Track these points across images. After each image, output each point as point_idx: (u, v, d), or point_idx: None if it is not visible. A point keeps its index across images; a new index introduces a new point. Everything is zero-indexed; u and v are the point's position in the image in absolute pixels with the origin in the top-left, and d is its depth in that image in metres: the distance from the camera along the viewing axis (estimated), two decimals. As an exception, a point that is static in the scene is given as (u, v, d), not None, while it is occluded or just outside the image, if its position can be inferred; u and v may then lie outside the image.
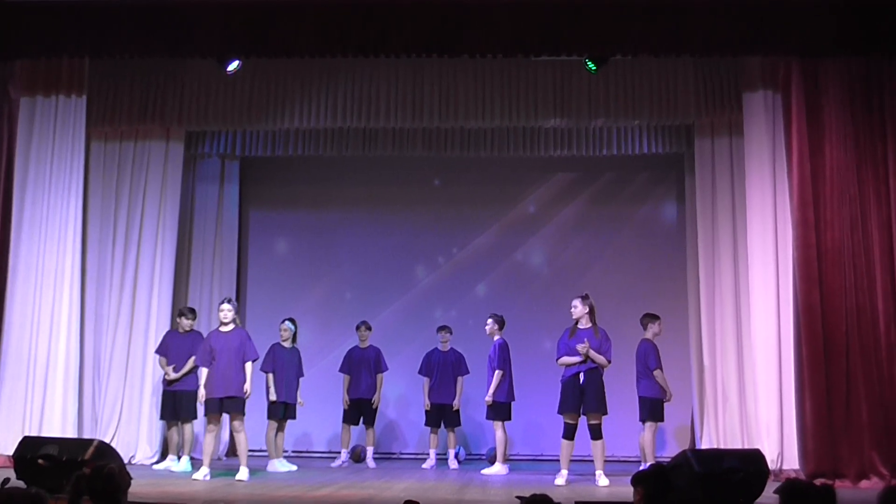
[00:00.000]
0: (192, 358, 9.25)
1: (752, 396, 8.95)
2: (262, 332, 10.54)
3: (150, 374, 9.74)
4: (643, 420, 9.13)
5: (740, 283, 9.31)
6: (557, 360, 8.63)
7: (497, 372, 9.49)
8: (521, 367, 9.91)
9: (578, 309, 8.64)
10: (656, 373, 9.09)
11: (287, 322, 9.90)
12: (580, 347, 8.39)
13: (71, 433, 8.99)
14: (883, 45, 8.38)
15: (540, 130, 10.32)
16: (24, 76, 9.38)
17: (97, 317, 9.75)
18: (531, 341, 10.85)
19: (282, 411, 9.67)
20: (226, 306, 8.77)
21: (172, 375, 9.32)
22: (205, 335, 9.24)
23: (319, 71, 9.69)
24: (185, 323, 9.58)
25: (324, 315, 11.49)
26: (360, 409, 10.13)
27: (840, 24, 8.36)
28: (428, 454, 10.12)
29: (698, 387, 9.82)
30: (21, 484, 6.74)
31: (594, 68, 8.96)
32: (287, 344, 9.83)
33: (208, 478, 8.33)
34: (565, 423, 8.49)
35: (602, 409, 8.43)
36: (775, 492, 3.83)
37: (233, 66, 9.12)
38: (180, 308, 9.84)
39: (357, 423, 10.17)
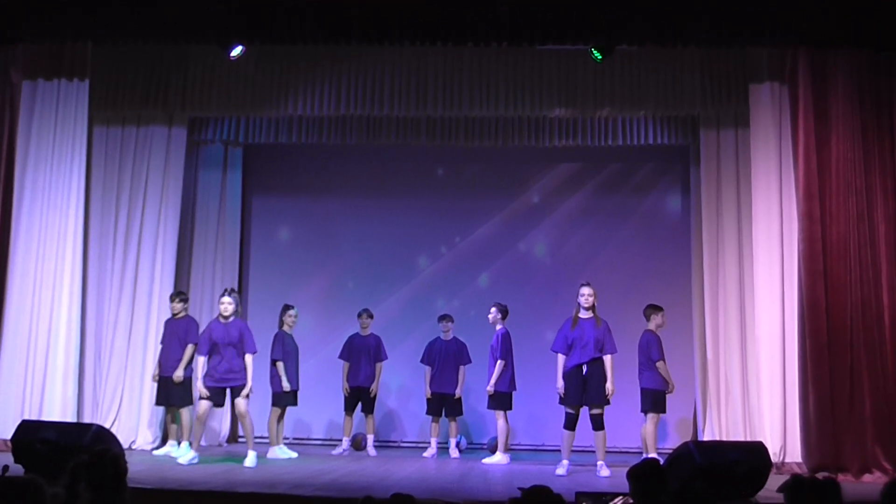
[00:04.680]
0: (190, 346, 9.24)
1: (755, 389, 8.92)
2: (264, 320, 10.54)
3: (152, 360, 9.69)
4: (645, 411, 9.10)
5: (745, 275, 9.27)
6: (553, 349, 8.59)
7: (499, 362, 9.46)
8: (522, 357, 9.88)
9: (591, 296, 8.57)
10: (659, 364, 9.05)
11: (295, 309, 9.86)
12: (559, 389, 8.50)
13: (71, 418, 8.99)
14: (891, 36, 8.31)
15: (545, 120, 10.25)
16: (27, 60, 9.34)
17: (98, 302, 9.74)
18: (533, 331, 10.81)
19: (291, 399, 9.66)
20: (226, 299, 8.74)
21: (180, 374, 9.23)
22: (204, 322, 9.21)
23: (323, 58, 9.62)
24: (177, 307, 9.49)
25: (325, 303, 11.46)
26: (358, 397, 10.09)
27: (848, 15, 8.31)
28: (429, 443, 10.09)
29: (701, 379, 9.79)
30: (19, 468, 6.74)
31: (600, 57, 8.87)
32: (290, 331, 9.81)
33: (195, 461, 8.38)
34: (566, 413, 8.46)
35: (604, 400, 8.40)
36: (779, 490, 3.80)
37: (236, 51, 9.04)
38: (171, 293, 9.72)
39: (353, 410, 10.14)
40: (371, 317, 10.27)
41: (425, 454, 9.94)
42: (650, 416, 9.04)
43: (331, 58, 9.60)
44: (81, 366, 9.43)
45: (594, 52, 8.81)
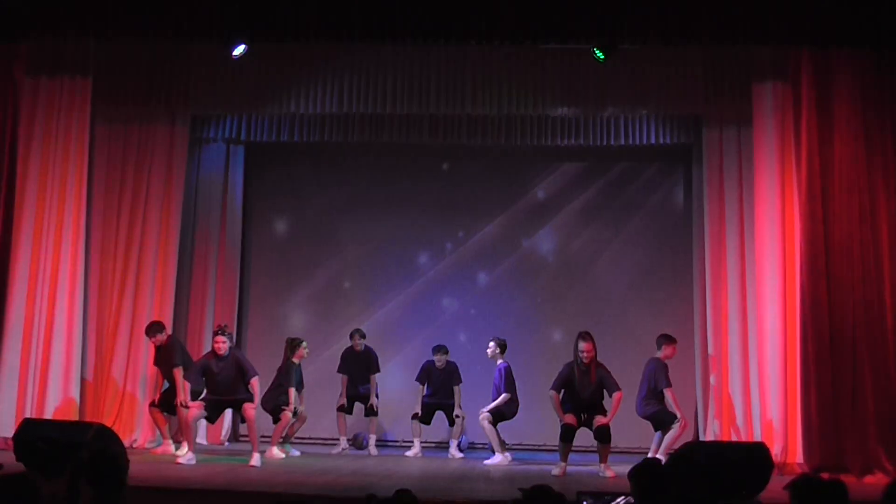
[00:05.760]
0: (177, 371, 9.18)
1: (756, 389, 8.90)
2: (265, 319, 10.52)
3: (153, 358, 9.68)
4: (668, 424, 8.82)
5: (747, 274, 9.24)
6: (554, 388, 8.65)
7: (504, 395, 9.43)
8: (526, 357, 9.88)
9: (591, 352, 8.58)
10: (668, 392, 8.85)
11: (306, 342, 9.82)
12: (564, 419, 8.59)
13: (72, 416, 8.98)
14: (895, 35, 8.29)
15: (548, 119, 10.22)
16: (30, 58, 9.33)
17: (100, 299, 9.72)
18: (537, 331, 10.82)
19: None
20: (221, 338, 8.73)
21: (181, 400, 9.03)
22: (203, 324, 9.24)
23: (326, 56, 9.62)
24: (159, 339, 9.33)
25: (328, 301, 11.42)
26: (360, 402, 10.10)
27: (851, 14, 8.26)
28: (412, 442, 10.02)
29: (703, 378, 9.77)
30: (20, 466, 6.75)
31: (602, 57, 8.84)
32: (298, 362, 9.72)
33: (193, 461, 8.40)
34: (564, 424, 8.51)
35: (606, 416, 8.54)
36: (785, 488, 3.79)
37: (239, 50, 9.03)
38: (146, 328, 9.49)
39: (351, 412, 10.12)
40: (364, 336, 10.14)
41: (408, 453, 9.86)
42: (676, 423, 8.77)
43: (333, 56, 9.60)
44: (84, 364, 9.41)
45: (597, 51, 8.77)
